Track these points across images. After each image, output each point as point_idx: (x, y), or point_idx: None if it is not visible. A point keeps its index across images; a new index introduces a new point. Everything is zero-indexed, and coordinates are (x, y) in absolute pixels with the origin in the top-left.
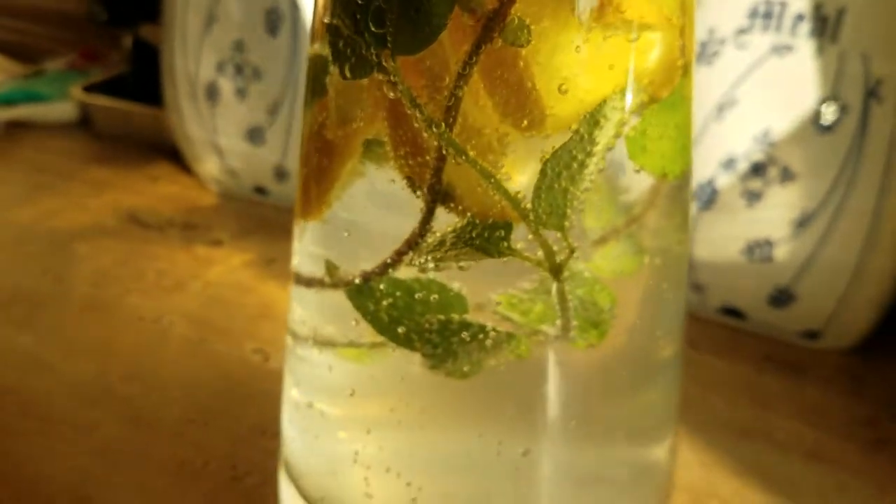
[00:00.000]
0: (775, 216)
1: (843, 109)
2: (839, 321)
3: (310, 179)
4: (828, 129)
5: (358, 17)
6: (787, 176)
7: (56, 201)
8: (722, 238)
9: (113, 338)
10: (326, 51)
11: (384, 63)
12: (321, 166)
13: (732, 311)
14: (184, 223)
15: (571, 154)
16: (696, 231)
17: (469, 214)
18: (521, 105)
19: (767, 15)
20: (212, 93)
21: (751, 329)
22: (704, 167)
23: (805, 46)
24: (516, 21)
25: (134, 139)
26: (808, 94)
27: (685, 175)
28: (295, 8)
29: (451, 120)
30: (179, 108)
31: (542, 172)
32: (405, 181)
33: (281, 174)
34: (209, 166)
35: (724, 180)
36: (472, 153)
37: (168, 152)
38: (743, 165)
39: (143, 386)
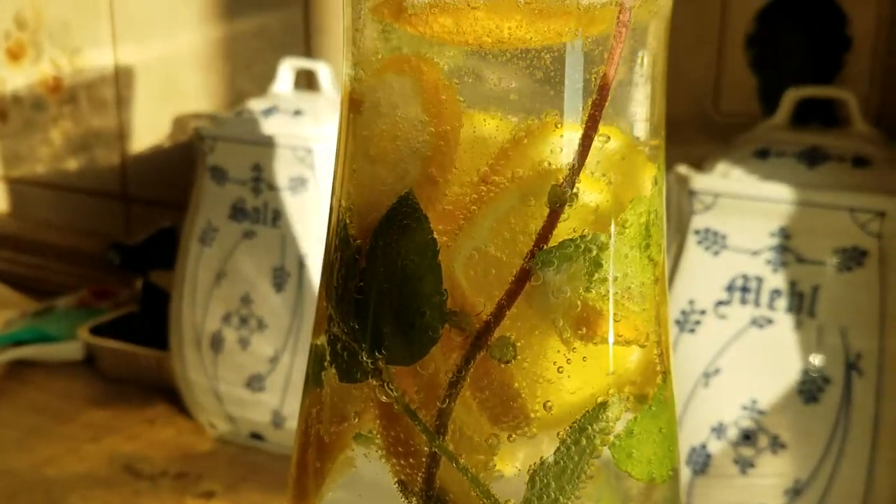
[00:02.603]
0: (769, 484)
1: (826, 381)
2: None
3: (302, 475)
4: (814, 399)
5: (356, 327)
6: (777, 445)
7: (52, 447)
8: None
9: None
10: (325, 345)
11: (379, 368)
12: (314, 467)
13: None
14: (177, 472)
15: (560, 465)
16: (692, 497)
17: None
18: (506, 410)
19: (745, 289)
20: (216, 342)
21: None
22: (697, 432)
23: (784, 320)
24: (502, 338)
25: (136, 380)
26: (790, 366)
27: (673, 477)
28: (301, 266)
29: (443, 427)
30: (183, 355)
31: (532, 482)
32: (397, 485)
33: (278, 421)
34: (208, 411)
35: (717, 446)
36: (462, 456)
37: (168, 392)
38: (733, 432)
39: None
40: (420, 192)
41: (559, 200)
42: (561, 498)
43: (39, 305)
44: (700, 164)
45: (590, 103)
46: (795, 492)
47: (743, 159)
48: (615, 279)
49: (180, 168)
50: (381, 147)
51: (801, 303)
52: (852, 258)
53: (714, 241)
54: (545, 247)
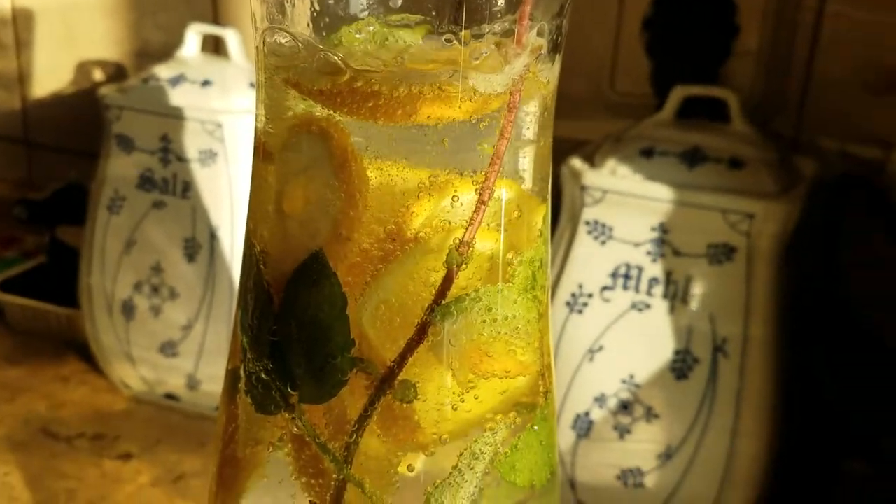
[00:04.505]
0: (643, 449)
1: (696, 361)
2: None
3: (220, 490)
4: (684, 377)
5: (270, 365)
6: (650, 415)
7: None
8: (598, 465)
9: None
10: (241, 373)
11: (292, 404)
12: (231, 483)
13: None
14: (94, 434)
15: (453, 488)
16: (576, 456)
17: None
18: (408, 438)
19: (627, 276)
20: (127, 309)
21: None
22: (581, 401)
23: (660, 305)
24: (404, 382)
25: (48, 335)
26: (664, 346)
27: (550, 479)
28: (213, 238)
29: (350, 458)
30: (94, 319)
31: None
32: None
33: (193, 384)
34: (121, 373)
35: (598, 414)
36: (367, 480)
37: (80, 348)
38: (613, 402)
39: None
40: (330, 249)
41: (456, 262)
42: None
43: None
44: (593, 147)
45: (483, 174)
46: (667, 456)
47: (630, 157)
48: (505, 319)
49: (83, 115)
50: (293, 205)
51: (676, 291)
52: (723, 253)
53: (602, 231)
54: (443, 302)
